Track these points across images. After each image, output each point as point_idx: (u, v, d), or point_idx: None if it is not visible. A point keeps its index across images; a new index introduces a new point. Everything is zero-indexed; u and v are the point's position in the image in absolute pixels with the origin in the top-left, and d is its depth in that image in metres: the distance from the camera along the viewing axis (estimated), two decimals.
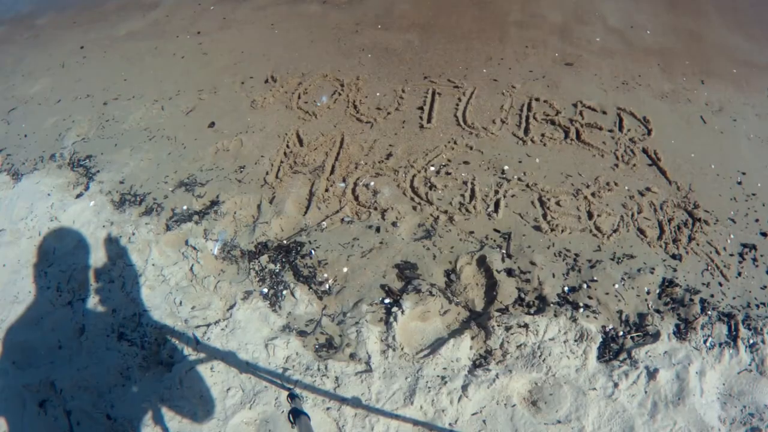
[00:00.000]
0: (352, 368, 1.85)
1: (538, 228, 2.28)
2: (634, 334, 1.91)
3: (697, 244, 2.19)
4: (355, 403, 1.76)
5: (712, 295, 2.01)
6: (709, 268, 2.11)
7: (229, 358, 1.92)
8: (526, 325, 1.90)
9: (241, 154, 2.81)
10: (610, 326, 1.93)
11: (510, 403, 1.76)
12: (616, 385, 1.75)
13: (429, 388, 1.78)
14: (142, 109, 3.28)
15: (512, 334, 1.89)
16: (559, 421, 1.71)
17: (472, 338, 1.92)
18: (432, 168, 2.59)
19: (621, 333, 1.91)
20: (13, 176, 2.92)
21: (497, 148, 2.68)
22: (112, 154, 2.95)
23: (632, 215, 2.31)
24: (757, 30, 3.67)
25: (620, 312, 1.97)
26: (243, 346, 1.95)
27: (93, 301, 2.18)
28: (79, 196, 2.68)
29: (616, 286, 2.04)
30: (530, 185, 2.46)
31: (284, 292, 2.12)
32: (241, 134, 2.94)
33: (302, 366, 1.88)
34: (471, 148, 2.69)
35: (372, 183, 2.54)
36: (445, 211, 2.36)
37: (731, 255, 2.16)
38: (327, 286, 2.14)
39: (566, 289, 2.04)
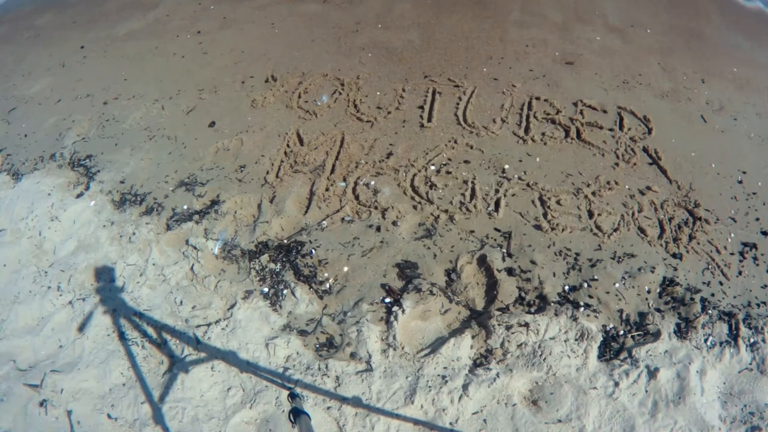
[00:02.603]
0: (352, 367, 1.84)
1: (538, 227, 2.27)
2: (635, 333, 1.91)
3: (698, 243, 2.19)
4: (356, 402, 1.76)
5: (712, 294, 2.01)
6: (710, 267, 2.10)
7: (229, 357, 1.92)
8: (526, 324, 1.90)
9: (242, 153, 2.81)
10: (611, 325, 1.93)
11: (511, 402, 1.76)
12: (616, 384, 1.75)
13: (429, 387, 1.78)
14: (142, 108, 3.28)
15: (513, 333, 1.89)
16: (559, 420, 1.71)
17: (473, 337, 1.91)
18: (432, 167, 2.59)
19: (622, 332, 1.91)
20: (14, 176, 2.92)
21: (497, 147, 2.68)
22: (113, 153, 2.95)
23: (633, 214, 2.31)
24: (757, 29, 3.67)
25: (621, 311, 1.97)
26: (243, 346, 1.95)
27: (93, 301, 2.18)
28: (79, 195, 2.68)
29: (617, 285, 2.03)
30: (531, 184, 2.46)
31: (285, 292, 2.12)
32: (241, 134, 2.94)
33: (303, 365, 1.88)
34: (471, 147, 2.68)
35: (372, 182, 2.54)
36: (446, 210, 2.36)
37: (732, 254, 2.16)
38: (327, 286, 2.14)
39: (567, 288, 2.04)
